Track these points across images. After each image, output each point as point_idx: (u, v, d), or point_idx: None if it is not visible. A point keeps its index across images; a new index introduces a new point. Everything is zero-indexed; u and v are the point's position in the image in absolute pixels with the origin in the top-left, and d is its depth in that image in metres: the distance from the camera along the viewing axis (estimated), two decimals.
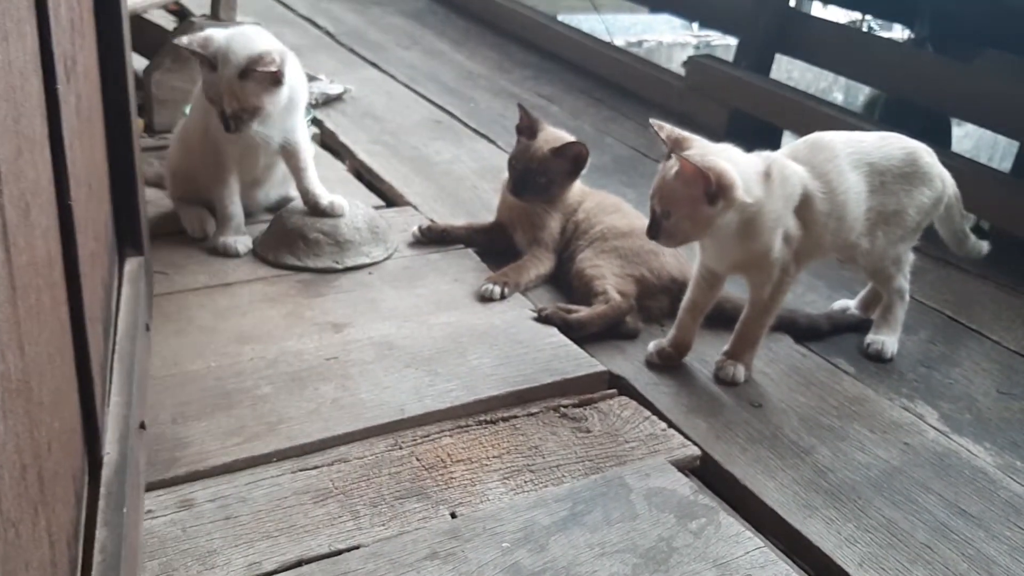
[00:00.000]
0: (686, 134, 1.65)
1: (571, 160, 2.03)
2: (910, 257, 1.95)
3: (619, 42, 6.85)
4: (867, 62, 3.04)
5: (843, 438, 1.67)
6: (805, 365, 1.88)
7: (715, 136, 3.21)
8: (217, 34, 1.88)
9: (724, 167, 1.54)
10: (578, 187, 2.15)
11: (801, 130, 2.96)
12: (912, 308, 2.16)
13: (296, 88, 1.96)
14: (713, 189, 1.53)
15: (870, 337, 1.95)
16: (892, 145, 1.80)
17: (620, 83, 3.62)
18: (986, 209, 2.56)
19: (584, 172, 2.10)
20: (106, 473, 1.07)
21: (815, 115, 2.91)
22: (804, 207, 1.67)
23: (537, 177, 2.02)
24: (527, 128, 2.09)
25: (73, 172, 0.97)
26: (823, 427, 1.69)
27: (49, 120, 0.86)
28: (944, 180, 1.87)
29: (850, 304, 2.09)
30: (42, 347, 0.78)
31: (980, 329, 2.11)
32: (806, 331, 1.99)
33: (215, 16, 2.67)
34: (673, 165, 1.59)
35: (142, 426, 1.30)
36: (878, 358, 1.92)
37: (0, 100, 0.63)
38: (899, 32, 6.52)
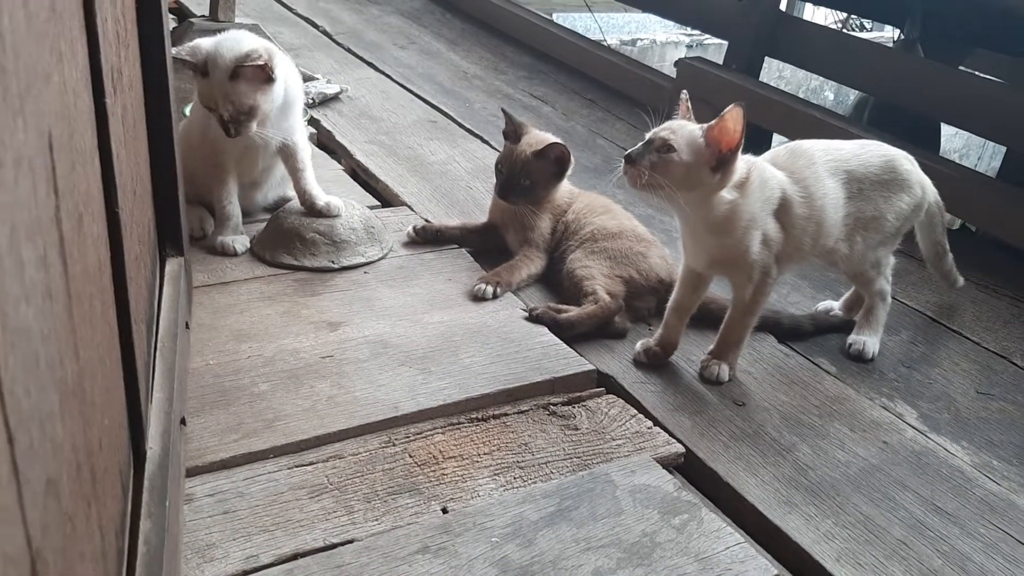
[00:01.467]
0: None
1: (553, 161, 2.08)
2: (891, 260, 2.00)
3: (613, 40, 6.89)
4: (854, 66, 3.08)
5: (823, 436, 1.71)
6: (788, 365, 1.93)
7: None
8: (204, 42, 1.93)
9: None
10: (568, 188, 2.19)
11: (788, 132, 3.02)
12: (895, 309, 2.21)
13: (291, 87, 2.00)
14: (727, 155, 1.59)
15: (852, 337, 2.00)
16: (871, 153, 1.85)
17: (612, 84, 3.66)
18: (972, 212, 2.61)
19: (570, 173, 2.15)
20: (149, 467, 1.10)
21: (802, 118, 2.96)
22: (783, 211, 1.72)
23: (522, 179, 2.07)
24: (511, 132, 2.13)
25: (120, 181, 1.01)
26: (804, 425, 1.74)
27: (98, 133, 0.90)
28: (924, 187, 1.91)
29: (834, 305, 2.14)
30: (94, 350, 0.82)
31: (961, 330, 2.16)
32: (789, 331, 2.04)
33: (214, 17, 2.71)
34: (704, 125, 1.62)
35: (183, 421, 1.34)
36: (859, 358, 1.97)
37: (57, 118, 0.68)
38: (889, 32, 6.59)
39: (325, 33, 4.05)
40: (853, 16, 7.27)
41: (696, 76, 3.31)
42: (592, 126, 3.30)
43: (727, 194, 1.62)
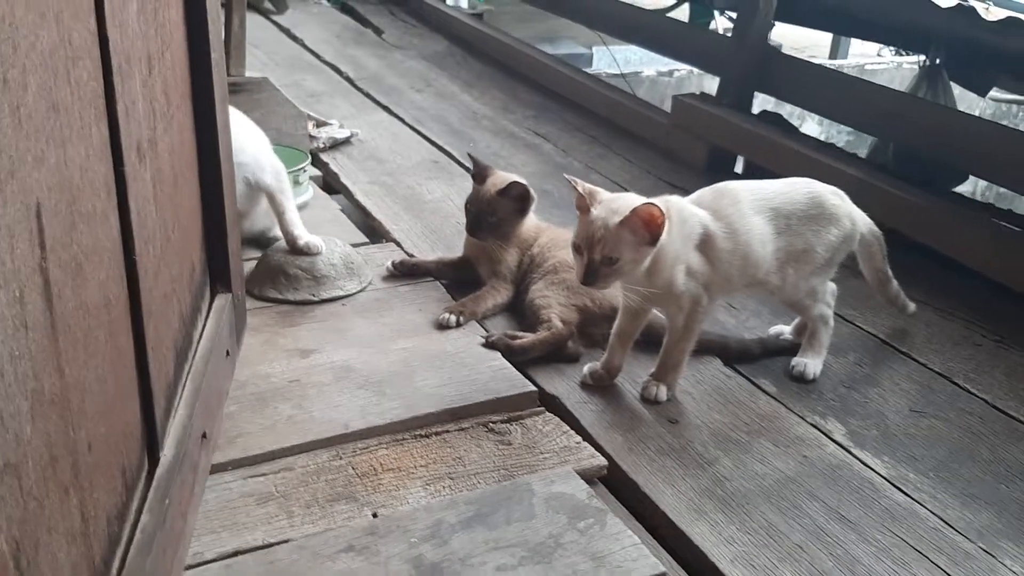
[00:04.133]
0: (594, 188, 1.84)
1: (516, 199, 2.25)
2: (830, 287, 2.12)
3: (650, 72, 7.04)
4: (842, 101, 3.20)
5: (747, 451, 1.85)
6: (727, 385, 2.06)
7: (696, 172, 3.41)
8: None
9: (659, 210, 1.74)
10: (535, 223, 2.36)
11: (775, 165, 3.15)
12: (848, 332, 2.34)
13: (240, 141, 2.13)
14: (659, 231, 1.74)
15: (795, 360, 2.12)
16: (796, 191, 1.99)
17: (614, 120, 3.83)
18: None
19: (533, 209, 2.32)
20: (160, 471, 1.30)
21: (786, 152, 3.08)
22: (707, 245, 1.87)
23: (488, 217, 2.25)
24: (478, 174, 2.32)
25: (142, 233, 1.20)
26: (731, 441, 1.87)
27: (118, 194, 1.11)
28: (854, 219, 2.04)
29: (785, 330, 2.26)
30: (90, 371, 1.01)
31: (910, 352, 2.26)
32: (738, 354, 2.17)
33: (227, 72, 2.96)
34: (607, 216, 1.75)
35: (204, 435, 1.54)
36: (801, 379, 2.10)
37: (50, 190, 0.88)
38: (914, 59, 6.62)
39: (347, 79, 4.31)
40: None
41: (688, 111, 3.47)
42: (589, 161, 3.47)
43: (662, 239, 1.78)
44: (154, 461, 1.31)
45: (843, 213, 2.01)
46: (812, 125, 6.47)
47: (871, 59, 8.31)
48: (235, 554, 1.46)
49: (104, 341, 1.07)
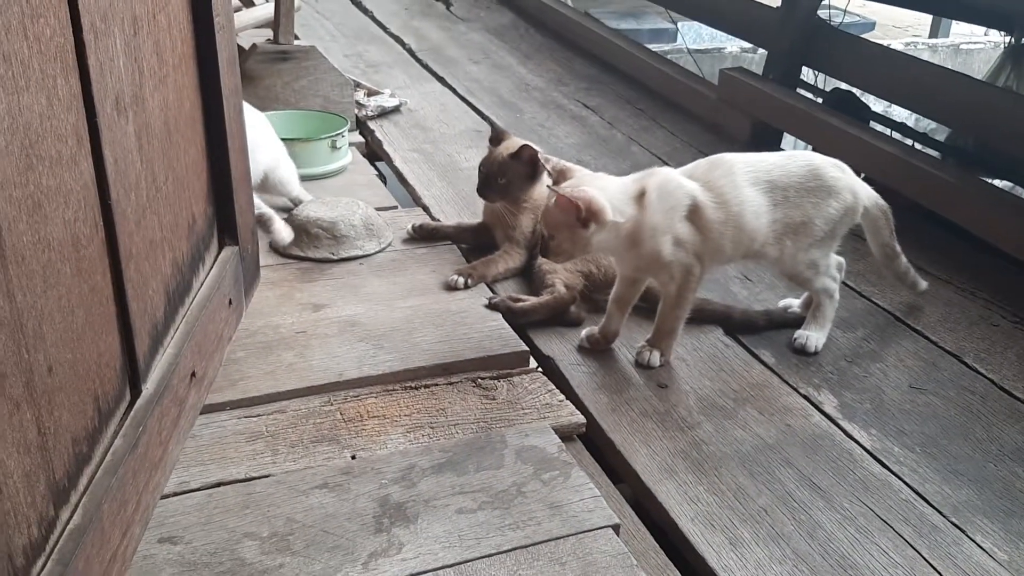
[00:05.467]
0: (569, 165, 1.91)
1: (526, 163, 2.30)
2: (835, 260, 2.11)
3: (733, 48, 6.94)
4: (890, 78, 3.13)
5: (730, 417, 1.87)
6: (724, 354, 2.09)
7: (739, 146, 3.40)
8: None
9: (592, 196, 1.79)
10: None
11: (814, 140, 3.12)
12: (862, 307, 2.33)
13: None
14: (583, 215, 1.79)
15: (797, 332, 2.13)
16: (795, 163, 1.99)
17: (662, 93, 3.83)
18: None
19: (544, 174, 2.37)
20: (140, 402, 1.42)
21: (826, 127, 3.04)
22: (696, 215, 1.89)
23: (498, 179, 2.31)
24: (494, 138, 2.38)
25: (119, 180, 1.30)
26: (716, 407, 1.90)
27: (91, 142, 1.21)
28: (856, 192, 2.03)
29: (795, 303, 2.26)
30: (49, 300, 1.11)
31: (923, 330, 2.24)
32: (740, 325, 2.18)
33: (275, 40, 3.09)
34: (550, 195, 1.86)
35: (194, 374, 1.65)
36: (802, 352, 2.10)
37: (4, 132, 0.99)
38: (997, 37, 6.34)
39: (409, 50, 4.40)
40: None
41: (734, 86, 3.45)
42: (632, 134, 3.48)
43: (617, 217, 1.82)
44: (136, 393, 1.42)
45: (843, 186, 2.00)
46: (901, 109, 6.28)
47: (967, 39, 8.01)
48: (218, 485, 1.57)
49: (71, 275, 1.18)
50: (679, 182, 1.90)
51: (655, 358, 2.00)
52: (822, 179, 1.98)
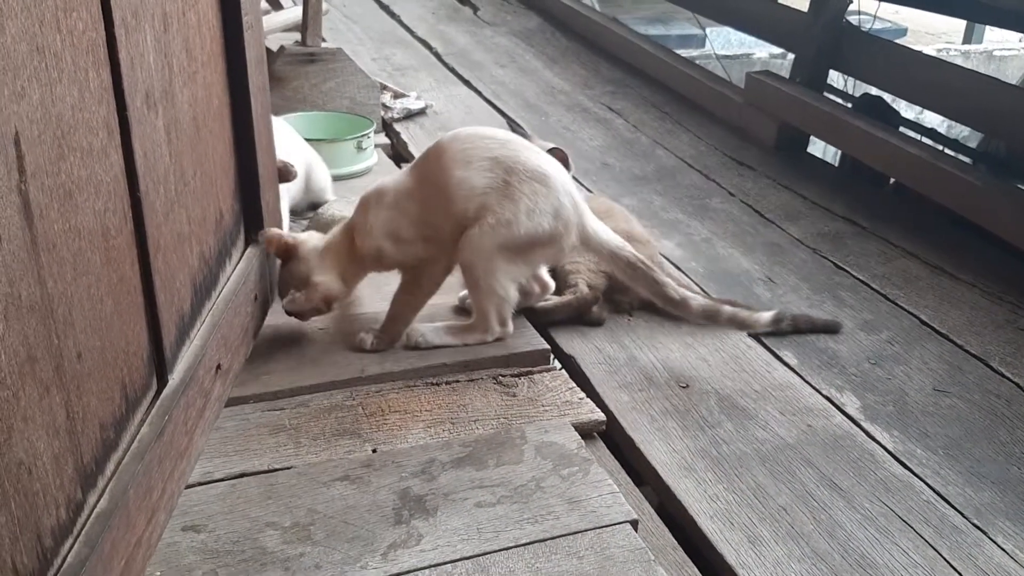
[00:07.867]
0: (299, 238, 1.94)
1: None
2: None
3: (762, 54, 6.92)
4: (920, 85, 3.11)
5: (751, 417, 1.87)
6: (746, 355, 2.08)
7: (766, 150, 3.37)
8: None
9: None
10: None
11: (842, 144, 3.11)
12: (886, 310, 2.31)
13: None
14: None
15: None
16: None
17: (688, 97, 3.83)
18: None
19: (571, 174, 2.38)
20: (166, 392, 1.44)
21: (853, 130, 3.03)
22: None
23: None
24: None
25: (148, 173, 1.33)
26: (737, 407, 1.90)
27: (121, 135, 1.24)
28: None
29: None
30: (80, 288, 1.14)
31: (948, 333, 2.22)
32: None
33: (303, 42, 3.12)
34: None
35: (219, 367, 1.68)
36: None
37: (38, 122, 1.02)
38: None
39: (436, 54, 4.43)
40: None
41: (761, 89, 3.44)
42: (657, 137, 3.49)
43: (321, 278, 1.90)
44: (163, 383, 1.45)
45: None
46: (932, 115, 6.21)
47: (1001, 45, 7.94)
48: (241, 476, 1.59)
49: (100, 264, 1.20)
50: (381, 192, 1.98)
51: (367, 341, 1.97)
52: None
